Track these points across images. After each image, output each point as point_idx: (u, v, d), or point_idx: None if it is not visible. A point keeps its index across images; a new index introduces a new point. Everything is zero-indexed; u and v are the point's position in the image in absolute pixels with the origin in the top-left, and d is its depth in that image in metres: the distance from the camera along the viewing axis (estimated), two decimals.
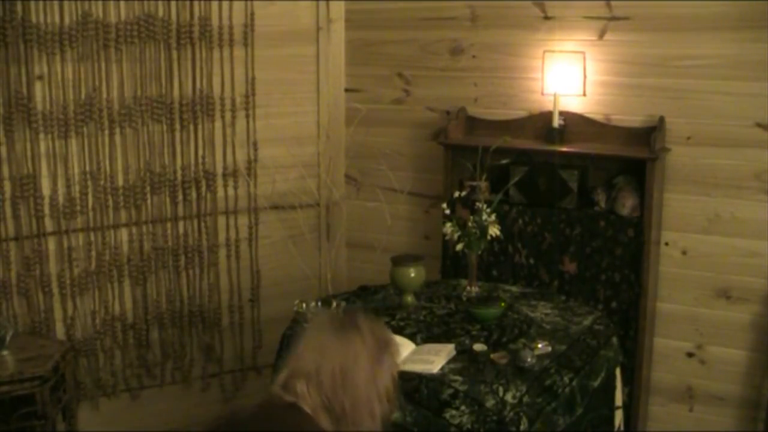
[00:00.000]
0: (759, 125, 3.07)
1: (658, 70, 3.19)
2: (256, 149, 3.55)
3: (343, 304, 2.81)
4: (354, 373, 1.64)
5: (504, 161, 3.23)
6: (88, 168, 3.22)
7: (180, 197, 3.43)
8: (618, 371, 2.67)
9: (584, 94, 3.29)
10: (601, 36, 3.27)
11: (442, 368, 2.30)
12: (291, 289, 3.60)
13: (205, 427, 1.70)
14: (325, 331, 1.68)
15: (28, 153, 3.10)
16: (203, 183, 3.46)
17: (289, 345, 1.72)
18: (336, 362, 1.63)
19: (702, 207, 3.21)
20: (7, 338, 2.89)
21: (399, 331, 2.54)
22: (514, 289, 3.01)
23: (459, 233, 2.82)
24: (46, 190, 3.16)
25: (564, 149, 3.21)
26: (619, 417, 2.68)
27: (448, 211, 2.93)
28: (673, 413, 3.38)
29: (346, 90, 3.80)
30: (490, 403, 2.15)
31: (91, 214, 3.25)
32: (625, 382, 2.96)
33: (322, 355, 1.64)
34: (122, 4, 3.18)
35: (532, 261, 3.25)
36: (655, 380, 3.38)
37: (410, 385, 2.22)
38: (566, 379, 2.32)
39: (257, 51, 3.49)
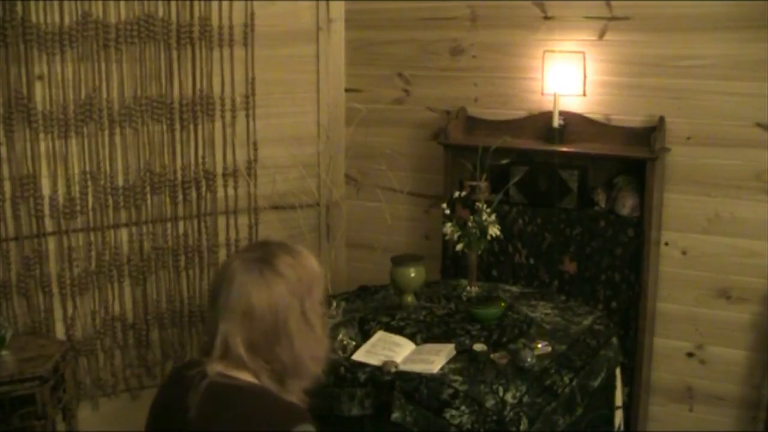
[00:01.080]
0: (759, 125, 3.07)
1: (658, 70, 3.19)
2: (256, 149, 3.55)
3: (343, 304, 2.81)
4: (286, 324, 1.55)
5: (504, 161, 3.23)
6: (88, 168, 3.22)
7: (180, 197, 3.43)
8: (618, 371, 2.67)
9: (584, 94, 3.30)
10: (601, 36, 3.27)
11: (442, 368, 2.30)
12: None
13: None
14: (247, 285, 1.54)
15: (28, 153, 3.10)
16: (203, 183, 3.46)
17: (213, 301, 1.59)
18: (266, 320, 1.53)
19: (702, 207, 3.21)
20: (7, 338, 2.89)
21: (399, 331, 2.54)
22: (514, 289, 3.01)
23: (459, 233, 2.82)
24: (46, 190, 3.16)
25: (564, 149, 3.21)
26: (619, 417, 2.69)
27: (448, 211, 2.93)
28: (673, 413, 3.38)
29: (346, 90, 3.80)
30: (490, 403, 2.15)
31: (91, 214, 3.25)
32: (625, 382, 2.96)
33: (250, 317, 1.53)
34: (122, 4, 3.18)
35: (532, 261, 3.25)
36: (655, 380, 3.38)
37: (410, 385, 2.22)
38: (566, 379, 2.32)
39: (257, 51, 3.49)
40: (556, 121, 3.25)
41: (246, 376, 1.55)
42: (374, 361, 2.35)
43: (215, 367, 1.54)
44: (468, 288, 2.89)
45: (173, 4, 3.27)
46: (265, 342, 1.54)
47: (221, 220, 3.54)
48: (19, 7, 2.98)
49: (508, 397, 2.18)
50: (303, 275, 1.60)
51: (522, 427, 2.13)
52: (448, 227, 2.84)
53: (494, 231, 2.80)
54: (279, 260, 1.59)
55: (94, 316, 3.32)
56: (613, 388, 2.63)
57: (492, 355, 2.36)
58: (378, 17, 3.72)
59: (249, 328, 1.54)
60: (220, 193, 3.51)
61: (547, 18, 3.36)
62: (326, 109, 3.75)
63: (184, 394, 1.53)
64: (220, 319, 1.55)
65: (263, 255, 1.60)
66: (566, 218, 3.17)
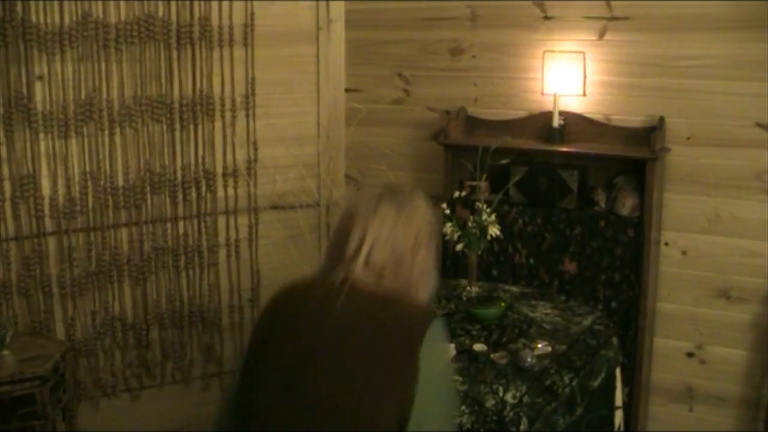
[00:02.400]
0: (759, 125, 3.07)
1: (658, 70, 3.19)
2: (256, 149, 3.55)
3: None
4: (421, 247, 1.77)
5: (504, 161, 3.23)
6: (88, 168, 3.22)
7: (180, 197, 3.42)
8: (618, 371, 2.67)
9: (584, 94, 3.30)
10: (601, 36, 3.27)
11: None
12: None
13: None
14: (397, 204, 1.78)
15: (28, 153, 3.10)
16: (203, 183, 3.46)
17: (352, 218, 1.82)
18: (409, 236, 1.76)
19: (702, 207, 3.21)
20: (7, 338, 2.89)
21: None
22: (514, 289, 3.01)
23: (459, 233, 2.81)
24: (46, 190, 3.16)
25: (564, 149, 3.22)
26: (619, 417, 2.69)
27: (448, 211, 2.92)
28: (673, 413, 3.38)
29: (346, 90, 3.80)
30: (490, 403, 2.15)
31: (91, 214, 3.25)
32: (625, 382, 2.96)
33: (397, 229, 1.75)
34: (122, 4, 3.17)
35: (532, 261, 3.25)
36: (655, 380, 3.38)
37: None
38: (566, 379, 2.32)
39: (257, 51, 3.49)
40: (556, 121, 3.25)
41: (374, 282, 1.72)
42: None
43: (357, 269, 1.72)
44: (468, 288, 2.89)
45: (173, 4, 3.27)
46: (401, 258, 1.75)
47: (221, 220, 3.54)
48: (19, 7, 2.98)
49: (508, 397, 2.18)
50: (431, 220, 1.84)
51: (522, 427, 2.13)
52: (448, 227, 2.84)
53: (494, 231, 2.80)
54: (417, 197, 1.84)
55: (94, 317, 3.32)
56: (613, 388, 2.63)
57: (492, 355, 2.36)
58: (378, 17, 3.72)
59: (394, 240, 1.75)
60: (220, 193, 3.51)
61: (547, 18, 3.36)
62: (326, 109, 3.75)
63: (327, 291, 1.71)
64: (369, 229, 1.75)
65: (404, 190, 1.85)
66: (566, 218, 3.17)
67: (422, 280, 1.79)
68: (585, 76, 3.26)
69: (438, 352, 1.69)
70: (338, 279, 1.71)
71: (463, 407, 2.15)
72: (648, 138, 3.08)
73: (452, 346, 2.41)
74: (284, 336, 1.72)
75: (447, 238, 2.88)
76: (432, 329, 1.66)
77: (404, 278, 1.75)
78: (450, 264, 3.36)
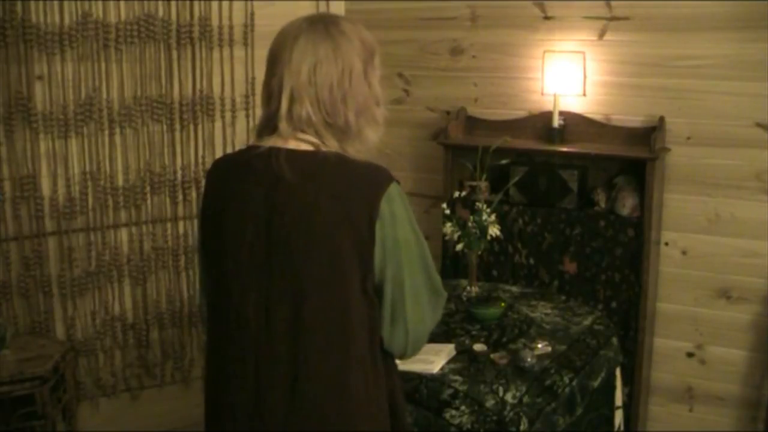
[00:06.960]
0: (759, 125, 3.07)
1: (658, 70, 3.19)
2: None
3: None
4: (350, 80, 1.59)
5: (504, 161, 3.23)
6: (88, 168, 3.22)
7: (180, 197, 3.43)
8: (618, 371, 2.67)
9: (584, 94, 3.30)
10: (601, 36, 3.27)
11: (442, 368, 2.30)
12: None
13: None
14: (314, 40, 1.60)
15: (28, 153, 3.10)
16: (203, 183, 3.45)
17: (274, 62, 1.63)
18: (333, 74, 1.57)
19: (702, 207, 3.21)
20: (7, 338, 2.89)
21: None
22: (514, 289, 3.00)
23: (459, 233, 2.81)
24: (46, 190, 3.16)
25: (564, 149, 3.22)
26: (619, 417, 2.69)
27: (448, 211, 2.92)
28: (673, 413, 3.39)
29: None
30: (490, 403, 2.15)
31: (91, 214, 3.25)
32: (625, 382, 2.96)
33: (317, 71, 1.57)
34: (122, 4, 3.18)
35: (532, 261, 3.25)
36: (655, 380, 3.38)
37: (410, 385, 2.22)
38: (566, 379, 2.32)
39: (257, 51, 3.48)
40: (556, 121, 3.25)
41: (311, 138, 1.58)
42: None
43: (286, 129, 1.56)
44: (468, 288, 2.88)
45: (173, 4, 3.27)
46: (330, 98, 1.57)
47: None
48: (19, 7, 2.98)
49: (508, 397, 2.18)
50: (365, 39, 1.64)
51: (522, 427, 2.12)
52: (448, 227, 2.84)
53: (494, 231, 2.80)
54: (342, 21, 1.64)
55: (94, 317, 3.32)
56: (613, 388, 2.63)
57: (492, 355, 2.36)
58: (378, 17, 3.72)
59: (315, 83, 1.57)
60: None
61: (547, 18, 3.37)
62: None
63: (265, 166, 1.56)
64: (286, 76, 1.58)
65: (326, 17, 1.67)
66: (566, 218, 3.17)
67: (364, 120, 1.61)
68: (585, 76, 3.26)
69: (398, 214, 1.55)
70: (266, 150, 1.57)
71: (463, 407, 2.15)
72: (648, 138, 3.08)
73: (452, 346, 2.41)
74: (238, 219, 1.60)
75: (447, 238, 2.88)
76: (390, 190, 1.54)
77: (340, 123, 1.58)
78: (450, 264, 3.36)
